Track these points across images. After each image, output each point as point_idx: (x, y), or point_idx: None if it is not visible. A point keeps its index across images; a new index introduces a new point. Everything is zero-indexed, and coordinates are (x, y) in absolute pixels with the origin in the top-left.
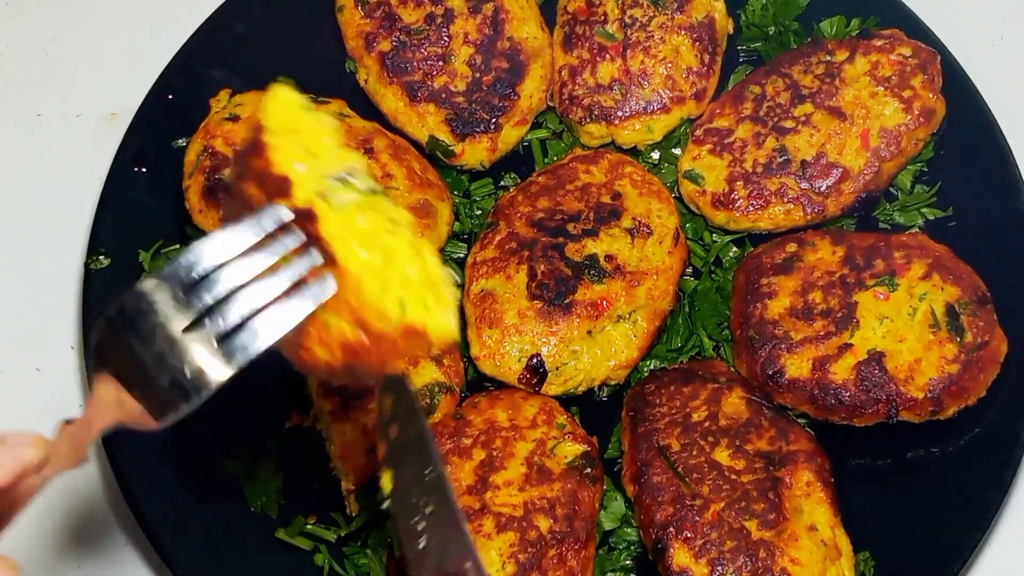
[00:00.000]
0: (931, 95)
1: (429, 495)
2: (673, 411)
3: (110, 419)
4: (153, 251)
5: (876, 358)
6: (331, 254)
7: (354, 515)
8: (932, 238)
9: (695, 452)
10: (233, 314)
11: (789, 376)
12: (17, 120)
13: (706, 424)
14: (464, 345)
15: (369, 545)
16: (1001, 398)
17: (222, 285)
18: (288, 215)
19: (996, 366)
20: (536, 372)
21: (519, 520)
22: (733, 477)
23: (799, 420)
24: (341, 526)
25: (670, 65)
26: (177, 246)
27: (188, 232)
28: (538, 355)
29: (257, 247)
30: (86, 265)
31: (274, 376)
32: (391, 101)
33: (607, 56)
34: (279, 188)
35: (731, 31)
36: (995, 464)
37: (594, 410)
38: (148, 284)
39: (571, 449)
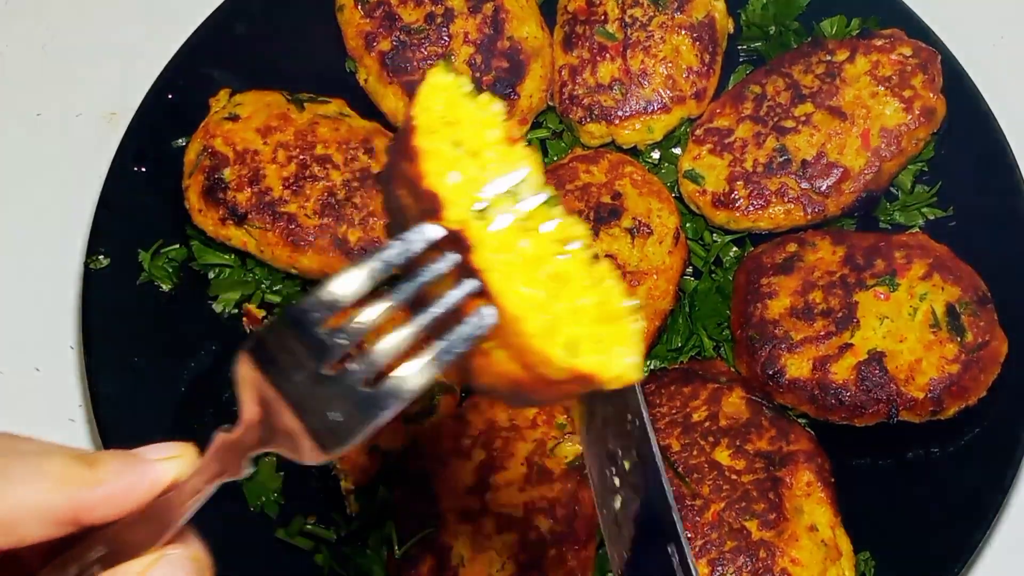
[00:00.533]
0: (931, 95)
1: (627, 448)
2: (673, 411)
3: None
4: (153, 251)
5: (876, 358)
6: (486, 287)
7: (354, 515)
8: (932, 238)
9: (695, 452)
10: (379, 358)
11: (789, 376)
12: (17, 120)
13: (706, 424)
14: None
15: (369, 545)
16: (1001, 398)
17: (362, 325)
18: (437, 236)
19: (996, 366)
20: None
21: (519, 520)
22: (733, 477)
23: (799, 420)
24: (341, 526)
25: (670, 65)
26: (177, 246)
27: (188, 232)
28: None
29: (403, 275)
30: (86, 265)
31: None
32: (391, 101)
33: (607, 56)
34: (429, 205)
35: (731, 31)
36: (995, 464)
37: None
38: (290, 317)
39: (571, 449)
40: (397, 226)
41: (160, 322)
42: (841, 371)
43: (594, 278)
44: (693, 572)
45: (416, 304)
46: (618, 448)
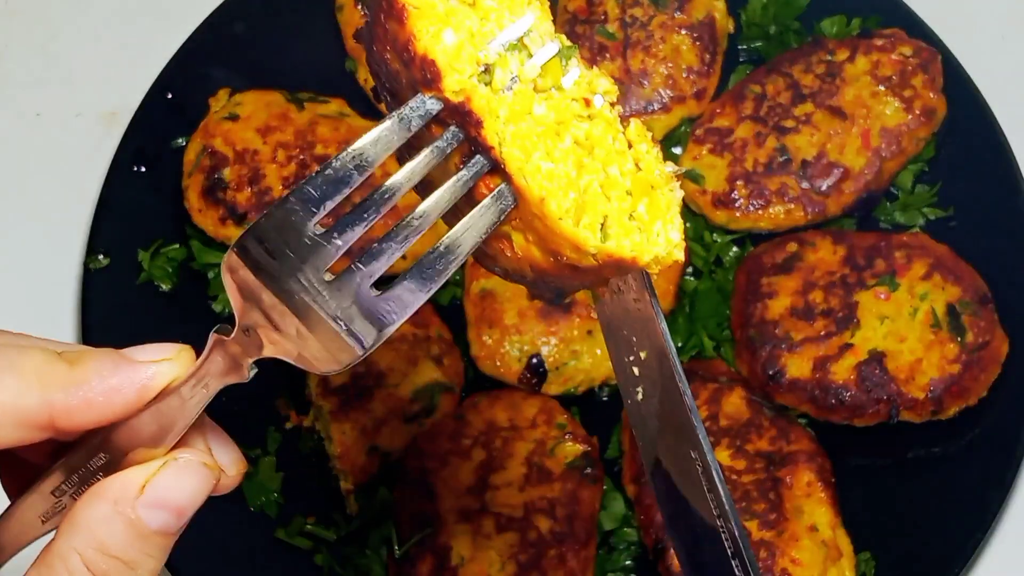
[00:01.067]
0: (932, 94)
1: (641, 335)
2: None
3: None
4: (152, 250)
5: (877, 358)
6: (500, 164)
7: (354, 515)
8: (933, 238)
9: None
10: (384, 259)
11: (790, 376)
12: (16, 119)
13: (706, 424)
14: (464, 345)
15: (369, 545)
16: (1002, 398)
17: (366, 216)
18: (436, 109)
19: (997, 366)
20: (536, 372)
21: (519, 520)
22: (733, 477)
23: (800, 420)
24: (341, 526)
25: (670, 64)
26: (176, 245)
27: (188, 232)
28: (538, 355)
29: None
30: (85, 265)
31: (274, 376)
32: None
33: (607, 55)
34: (423, 73)
35: (732, 30)
36: (996, 464)
37: (594, 410)
38: (284, 209)
39: (571, 449)
40: (387, 92)
41: (160, 322)
42: (841, 371)
43: (624, 141)
44: (716, 476)
45: (423, 192)
46: (632, 335)
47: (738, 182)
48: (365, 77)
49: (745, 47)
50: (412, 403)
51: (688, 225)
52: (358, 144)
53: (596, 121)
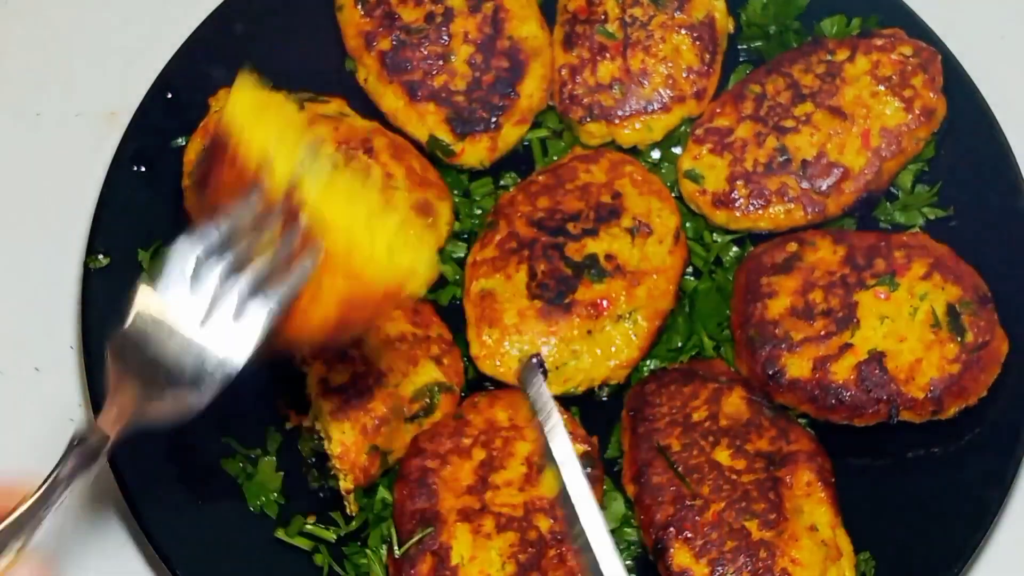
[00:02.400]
0: (932, 94)
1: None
2: (673, 411)
3: (132, 421)
4: (153, 250)
5: (877, 358)
6: (320, 218)
7: (354, 515)
8: (933, 238)
9: (695, 452)
10: (239, 297)
11: (789, 376)
12: (16, 119)
13: (706, 424)
14: (464, 345)
15: (369, 545)
16: (1002, 398)
17: (221, 272)
18: (271, 195)
19: (997, 366)
20: None
21: (519, 520)
22: (733, 477)
23: (799, 420)
24: (341, 526)
25: (670, 64)
26: None
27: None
28: (538, 355)
29: (250, 229)
30: (85, 264)
31: (274, 376)
32: (391, 100)
33: (607, 55)
34: (256, 174)
35: (731, 30)
36: (995, 464)
37: (594, 410)
38: (153, 287)
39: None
40: (213, 217)
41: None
42: (841, 371)
43: (390, 201)
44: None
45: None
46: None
47: (738, 182)
48: (365, 77)
49: (745, 47)
50: (412, 403)
51: (688, 225)
52: (207, 231)
53: (371, 190)
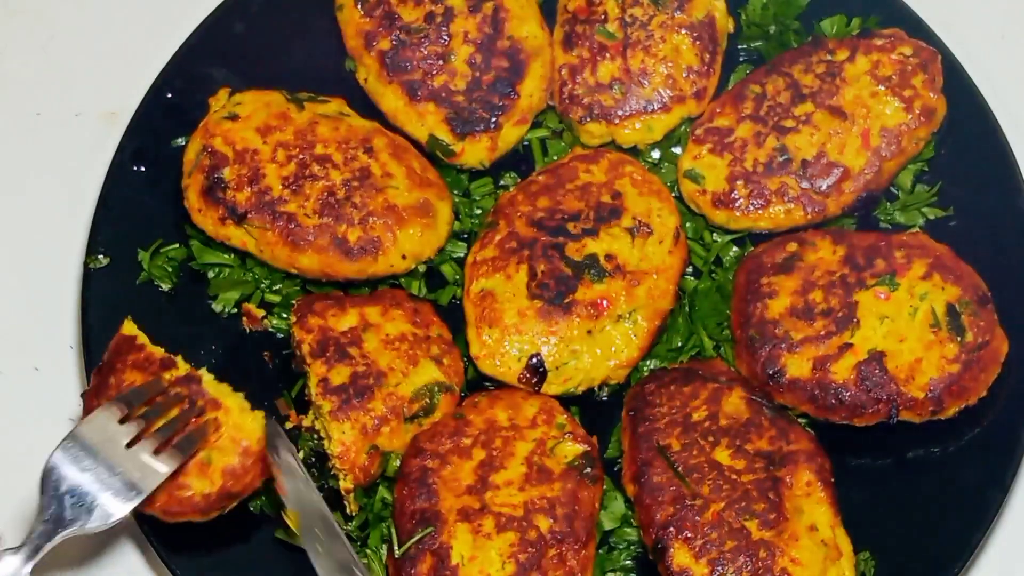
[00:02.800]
0: (932, 94)
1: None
2: (673, 411)
3: (65, 531)
4: (152, 250)
5: (877, 358)
6: (216, 400)
7: (354, 515)
8: (933, 238)
9: (695, 452)
10: (164, 435)
11: (789, 376)
12: (16, 119)
13: (706, 424)
14: (464, 345)
15: (369, 545)
16: (1001, 398)
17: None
18: (169, 381)
19: (997, 366)
20: (536, 372)
21: (519, 520)
22: (733, 477)
23: (799, 420)
24: (341, 526)
25: (670, 64)
26: (176, 245)
27: (187, 231)
28: (538, 355)
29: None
30: (85, 264)
31: (274, 377)
32: (391, 100)
33: (607, 55)
34: (164, 366)
35: (731, 30)
36: (995, 464)
37: (594, 410)
38: (97, 416)
39: (571, 449)
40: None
41: (160, 322)
42: (841, 371)
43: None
44: None
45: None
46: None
47: (738, 182)
48: (365, 77)
49: (745, 47)
50: (412, 403)
51: (688, 225)
52: (123, 403)
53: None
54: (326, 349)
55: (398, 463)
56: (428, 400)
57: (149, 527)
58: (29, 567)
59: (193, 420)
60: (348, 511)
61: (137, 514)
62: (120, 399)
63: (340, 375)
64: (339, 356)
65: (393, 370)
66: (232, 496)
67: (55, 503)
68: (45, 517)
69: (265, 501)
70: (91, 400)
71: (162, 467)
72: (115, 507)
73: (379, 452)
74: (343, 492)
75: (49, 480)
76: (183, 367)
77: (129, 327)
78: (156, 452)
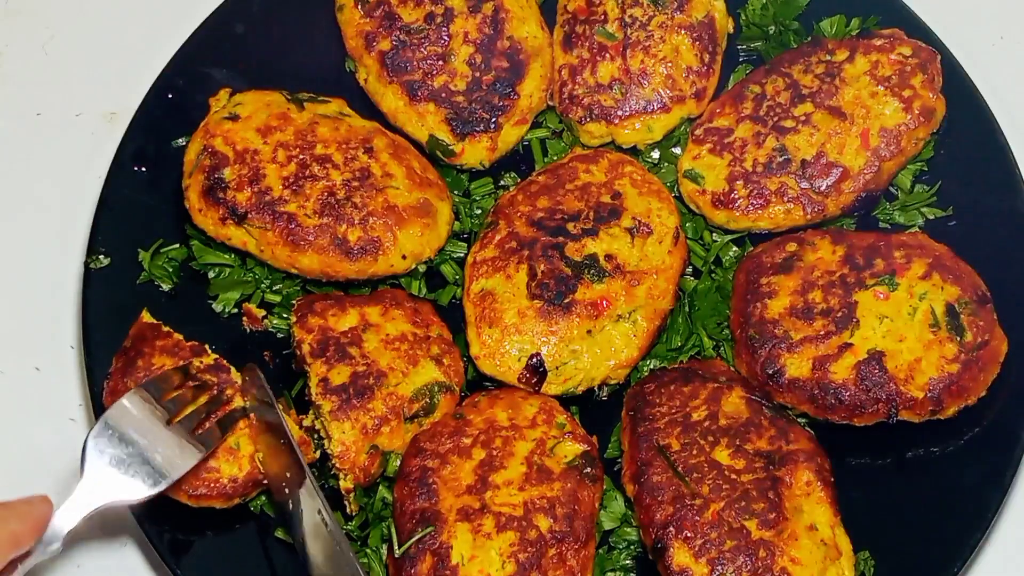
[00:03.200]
0: (931, 95)
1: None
2: (673, 411)
3: (104, 499)
4: (153, 250)
5: (876, 357)
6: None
7: (354, 515)
8: (932, 237)
9: (695, 452)
10: (194, 420)
11: (789, 376)
12: (17, 119)
13: (706, 424)
14: (464, 345)
15: (369, 544)
16: (1001, 398)
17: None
18: (199, 368)
19: (996, 365)
20: (536, 371)
21: (519, 520)
22: (733, 477)
23: (799, 420)
24: (341, 526)
25: (670, 64)
26: (176, 245)
27: (188, 232)
28: (538, 355)
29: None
30: (86, 264)
31: (274, 377)
32: (391, 100)
33: (607, 55)
34: (195, 353)
35: (731, 30)
36: (995, 464)
37: (594, 410)
38: (137, 393)
39: (571, 449)
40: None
41: (160, 321)
42: (841, 371)
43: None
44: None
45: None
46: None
47: (738, 182)
48: (365, 77)
49: (745, 47)
50: (412, 403)
51: (688, 225)
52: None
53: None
54: (326, 349)
55: (398, 463)
56: (428, 400)
57: (150, 526)
58: (64, 531)
59: (223, 408)
60: (348, 511)
61: (138, 514)
62: (153, 381)
63: (340, 375)
64: (339, 356)
65: (393, 370)
66: (256, 484)
67: (96, 472)
68: (87, 485)
69: (266, 502)
70: (117, 380)
71: (199, 448)
72: (153, 481)
73: (379, 452)
74: (343, 492)
75: (93, 450)
76: (211, 355)
77: (148, 317)
78: (192, 432)
